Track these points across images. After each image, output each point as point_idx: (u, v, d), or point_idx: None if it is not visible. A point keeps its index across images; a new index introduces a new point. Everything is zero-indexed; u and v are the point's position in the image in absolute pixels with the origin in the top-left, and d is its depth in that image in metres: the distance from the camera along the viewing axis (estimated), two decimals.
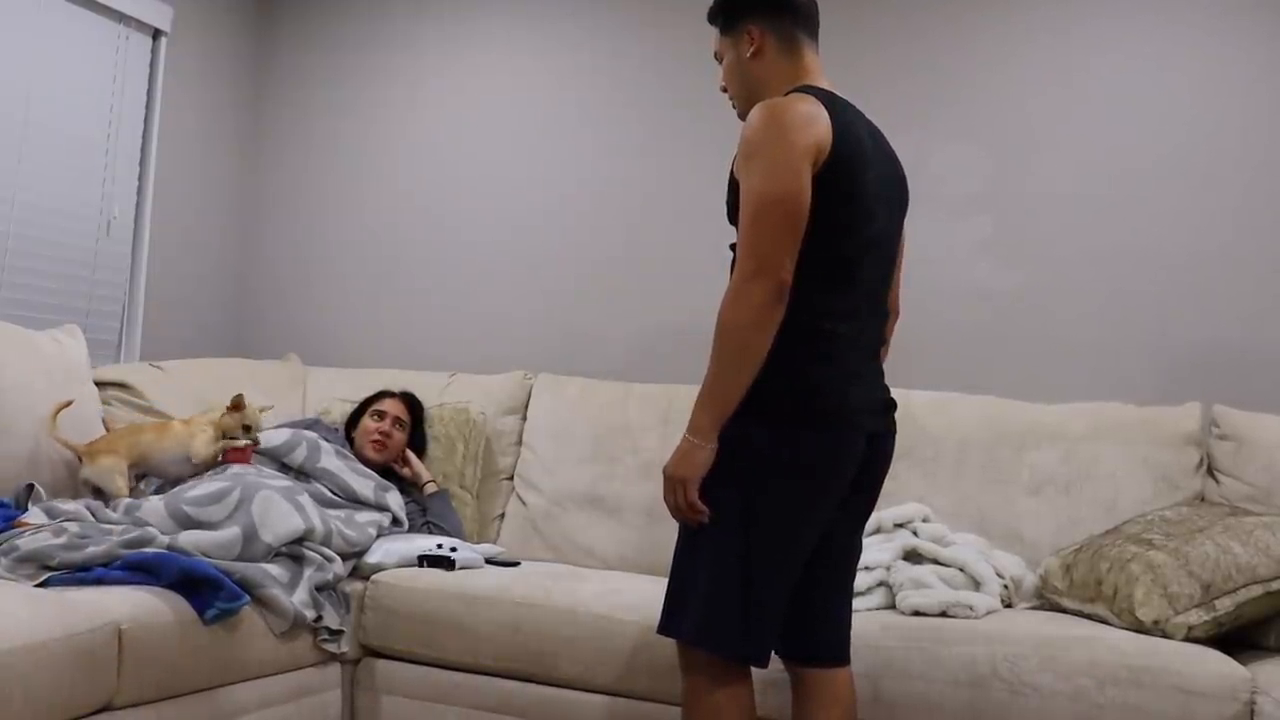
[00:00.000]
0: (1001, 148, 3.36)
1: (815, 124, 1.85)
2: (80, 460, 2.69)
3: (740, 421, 1.86)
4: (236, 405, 2.82)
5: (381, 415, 3.24)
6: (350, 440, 3.25)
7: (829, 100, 1.92)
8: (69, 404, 2.73)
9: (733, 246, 1.93)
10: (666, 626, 1.97)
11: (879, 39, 3.48)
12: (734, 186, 1.94)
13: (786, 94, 1.94)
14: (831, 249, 1.89)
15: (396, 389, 3.37)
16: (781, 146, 1.83)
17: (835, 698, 2.04)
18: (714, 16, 2.11)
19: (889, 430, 2.06)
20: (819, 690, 2.05)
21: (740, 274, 1.83)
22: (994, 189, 3.36)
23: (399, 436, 3.24)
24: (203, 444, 2.77)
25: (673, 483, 1.89)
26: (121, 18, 3.64)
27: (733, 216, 1.95)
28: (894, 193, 2.06)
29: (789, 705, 2.11)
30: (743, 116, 2.03)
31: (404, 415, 3.28)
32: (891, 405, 2.07)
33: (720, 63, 2.11)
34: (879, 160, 1.99)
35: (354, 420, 3.30)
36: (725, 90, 2.11)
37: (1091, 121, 3.29)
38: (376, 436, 3.19)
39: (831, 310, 1.91)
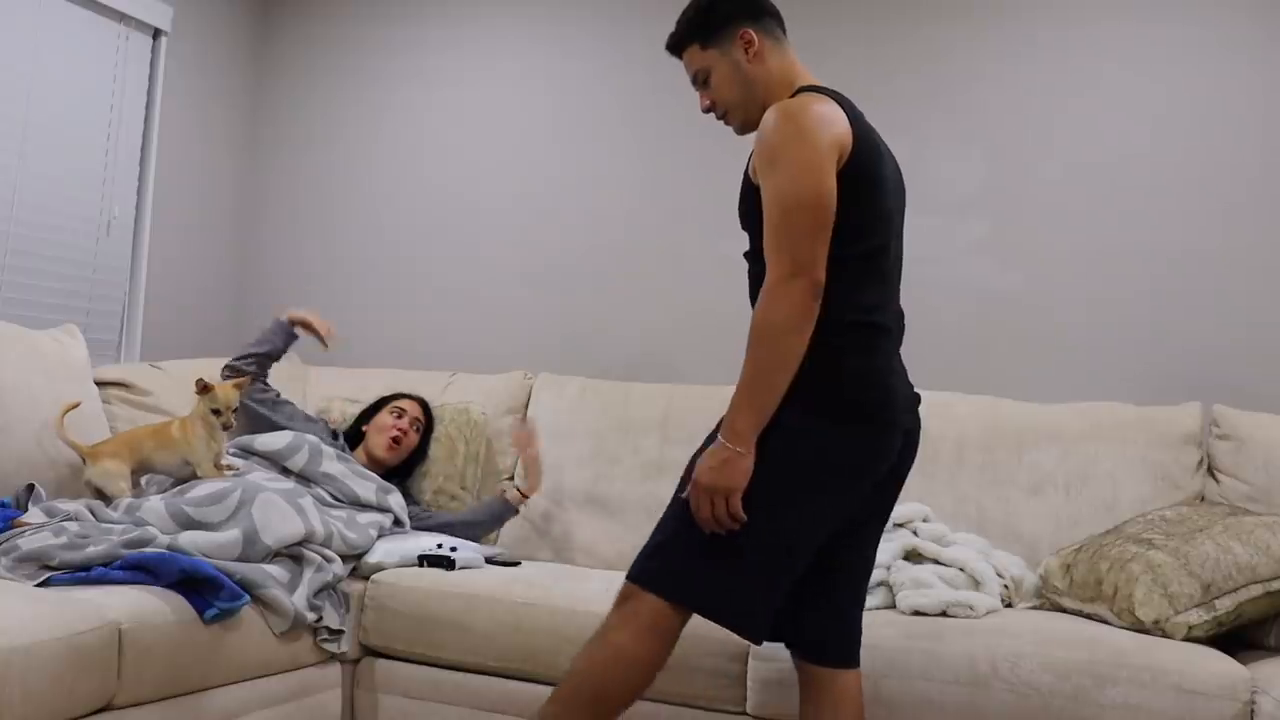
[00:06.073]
0: (999, 148, 3.36)
1: (835, 123, 1.86)
2: (85, 461, 2.68)
3: (787, 417, 1.83)
4: (204, 388, 2.69)
5: (401, 413, 3.21)
6: (358, 435, 3.22)
7: (840, 100, 1.93)
8: (77, 405, 2.72)
9: (746, 255, 1.92)
10: (644, 574, 1.88)
11: (878, 40, 3.48)
12: (748, 191, 1.93)
13: (794, 95, 1.93)
14: (859, 244, 1.89)
15: (414, 394, 3.33)
16: (805, 147, 1.82)
17: (844, 697, 2.04)
18: (684, 38, 2.03)
19: (918, 426, 2.06)
20: (828, 690, 2.04)
21: (776, 276, 1.81)
22: (992, 189, 3.36)
23: (414, 438, 3.22)
24: (201, 450, 2.68)
25: (713, 493, 1.82)
26: (121, 17, 3.65)
27: (746, 221, 1.94)
28: (900, 190, 2.07)
29: (794, 706, 2.12)
30: (744, 127, 2.01)
31: (421, 418, 3.26)
32: (918, 400, 2.07)
33: (701, 85, 2.03)
34: (889, 158, 2.01)
35: (367, 415, 3.26)
36: (711, 109, 2.04)
37: (1090, 121, 3.29)
38: (395, 433, 3.15)
39: (865, 304, 1.91)
